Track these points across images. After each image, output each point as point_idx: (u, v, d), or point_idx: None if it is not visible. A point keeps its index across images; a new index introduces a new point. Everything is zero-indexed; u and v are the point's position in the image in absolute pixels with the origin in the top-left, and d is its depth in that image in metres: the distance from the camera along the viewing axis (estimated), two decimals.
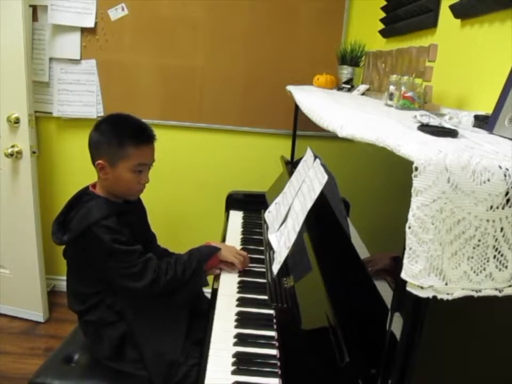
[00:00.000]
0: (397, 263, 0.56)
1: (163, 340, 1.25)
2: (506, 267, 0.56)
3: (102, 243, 1.20)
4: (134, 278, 1.22)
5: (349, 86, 1.79)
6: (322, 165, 1.19)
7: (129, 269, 1.22)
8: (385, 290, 0.78)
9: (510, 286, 0.57)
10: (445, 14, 1.41)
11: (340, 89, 1.84)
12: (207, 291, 1.37)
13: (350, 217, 1.13)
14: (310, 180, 1.22)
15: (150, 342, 1.25)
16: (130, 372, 1.26)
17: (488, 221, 0.54)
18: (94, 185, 1.35)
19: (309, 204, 1.15)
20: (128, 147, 1.26)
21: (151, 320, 1.27)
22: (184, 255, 1.35)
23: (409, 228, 0.53)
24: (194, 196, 2.38)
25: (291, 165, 2.01)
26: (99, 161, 1.27)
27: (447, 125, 0.74)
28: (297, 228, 1.18)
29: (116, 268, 1.22)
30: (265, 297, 1.24)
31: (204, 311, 1.29)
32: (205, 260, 1.34)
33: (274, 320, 1.17)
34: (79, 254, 1.28)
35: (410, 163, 0.52)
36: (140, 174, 1.30)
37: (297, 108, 2.01)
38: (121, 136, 1.27)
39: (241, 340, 1.09)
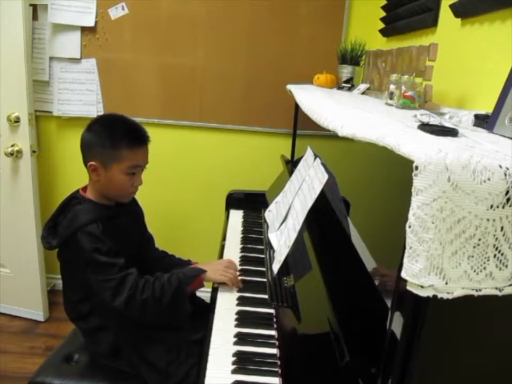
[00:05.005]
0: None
1: (150, 349, 1.24)
2: (506, 266, 0.56)
3: (83, 251, 1.17)
4: (109, 294, 1.17)
5: (349, 85, 1.80)
6: (323, 164, 1.19)
7: (106, 283, 1.17)
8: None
9: (510, 285, 0.57)
10: (445, 13, 1.41)
11: (340, 88, 1.84)
12: (206, 295, 1.34)
13: (350, 216, 1.13)
14: (310, 179, 1.22)
15: (136, 350, 1.24)
16: (129, 371, 1.26)
17: (488, 220, 0.54)
18: (84, 188, 1.33)
19: (309, 203, 1.14)
20: (122, 149, 1.24)
21: (135, 331, 1.26)
22: (166, 274, 1.26)
23: (410, 227, 0.53)
24: (194, 194, 2.38)
25: (291, 164, 2.01)
26: (91, 163, 1.24)
27: (448, 124, 0.74)
28: (298, 227, 1.18)
29: (93, 279, 1.19)
30: (265, 296, 1.23)
31: (203, 311, 1.28)
32: (187, 283, 1.24)
33: (275, 319, 1.17)
34: (66, 260, 1.28)
35: (411, 162, 0.52)
36: (133, 176, 1.28)
37: (297, 107, 2.01)
38: (115, 137, 1.24)
39: (241, 339, 1.09)
